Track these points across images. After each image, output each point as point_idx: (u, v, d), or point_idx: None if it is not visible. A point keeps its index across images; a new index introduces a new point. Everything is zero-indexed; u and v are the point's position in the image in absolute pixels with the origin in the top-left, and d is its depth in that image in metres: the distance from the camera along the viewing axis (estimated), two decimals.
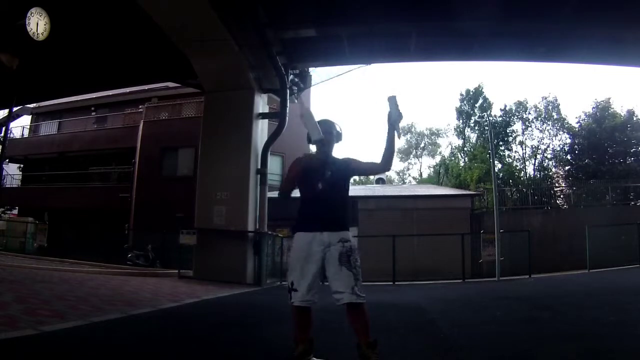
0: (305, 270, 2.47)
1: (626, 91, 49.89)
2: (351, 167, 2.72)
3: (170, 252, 12.69)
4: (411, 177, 42.02)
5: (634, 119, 24.23)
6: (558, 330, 3.91)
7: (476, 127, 31.44)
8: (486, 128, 24.93)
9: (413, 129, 41.80)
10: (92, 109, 22.22)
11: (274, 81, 11.12)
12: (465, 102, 32.06)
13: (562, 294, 7.33)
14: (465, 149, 32.95)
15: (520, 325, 4.32)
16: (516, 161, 30.02)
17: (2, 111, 16.54)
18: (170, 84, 17.83)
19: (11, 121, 18.03)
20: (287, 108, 11.11)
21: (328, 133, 2.69)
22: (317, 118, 2.69)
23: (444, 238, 12.86)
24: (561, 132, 28.40)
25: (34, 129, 24.44)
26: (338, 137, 2.79)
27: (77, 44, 10.63)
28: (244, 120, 10.74)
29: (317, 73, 12.99)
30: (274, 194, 16.26)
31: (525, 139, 29.82)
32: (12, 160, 23.18)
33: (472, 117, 31.58)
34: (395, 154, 2.68)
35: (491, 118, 27.43)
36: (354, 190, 22.60)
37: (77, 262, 12.92)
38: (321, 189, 2.58)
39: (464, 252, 12.39)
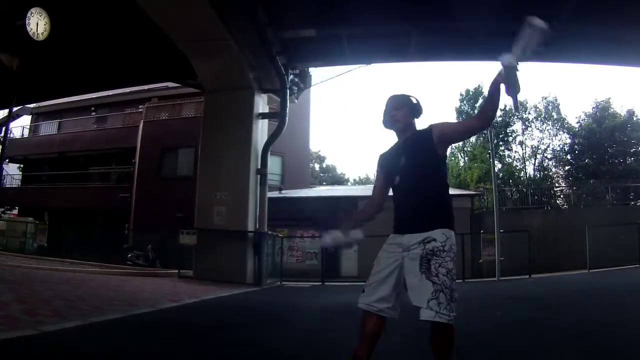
0: (378, 272, 2.06)
1: (626, 91, 49.95)
2: (436, 138, 2.07)
3: (170, 252, 12.68)
4: None
5: (634, 119, 24.28)
6: (558, 330, 3.91)
7: None
8: None
9: None
10: (92, 109, 22.21)
11: (274, 81, 11.11)
12: (465, 102, 32.07)
13: (562, 294, 7.33)
14: (465, 149, 32.95)
15: (520, 325, 4.32)
16: (516, 161, 30.04)
17: (2, 111, 16.57)
18: (170, 84, 17.81)
19: (11, 121, 18.01)
20: (287, 108, 11.11)
21: (397, 109, 2.20)
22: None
23: None
24: (561, 132, 28.43)
25: (34, 129, 24.42)
26: (415, 111, 2.23)
27: (77, 44, 10.62)
28: (244, 120, 10.73)
29: (317, 73, 13.01)
30: (274, 194, 16.34)
31: (525, 139, 29.86)
32: (12, 160, 23.17)
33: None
34: (497, 109, 2.06)
35: None
36: (354, 190, 22.57)
37: (77, 262, 12.92)
38: (397, 181, 2.13)
39: (464, 252, 12.38)
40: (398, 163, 2.12)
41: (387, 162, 2.21)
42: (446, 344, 1.92)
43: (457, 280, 2.00)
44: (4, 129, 13.54)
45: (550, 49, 10.36)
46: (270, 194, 11.43)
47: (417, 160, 2.07)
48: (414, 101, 2.22)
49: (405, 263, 1.99)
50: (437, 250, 1.93)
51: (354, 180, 45.86)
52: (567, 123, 27.91)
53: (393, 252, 2.05)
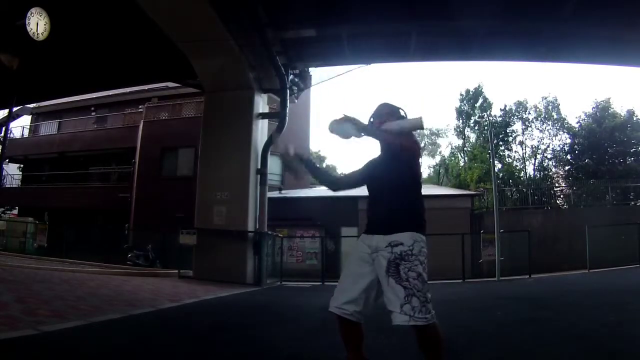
0: (349, 275, 2.07)
1: (626, 91, 49.90)
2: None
3: (170, 252, 12.68)
4: None
5: (634, 119, 24.26)
6: (558, 330, 3.91)
7: (476, 127, 31.46)
8: (486, 128, 24.95)
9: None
10: (92, 109, 22.22)
11: (274, 81, 11.12)
12: (465, 102, 32.08)
13: (562, 294, 7.33)
14: (465, 149, 32.96)
15: (520, 325, 4.31)
16: (516, 161, 30.03)
17: (2, 111, 16.58)
18: (170, 84, 17.82)
19: (11, 121, 18.01)
20: (287, 108, 11.11)
21: (390, 115, 2.27)
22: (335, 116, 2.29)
23: (444, 238, 12.82)
24: (561, 132, 28.42)
25: (34, 129, 24.42)
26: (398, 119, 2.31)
27: (77, 44, 10.63)
28: (244, 120, 10.74)
29: (317, 73, 13.00)
30: (274, 194, 16.34)
31: (525, 139, 29.85)
32: (12, 160, 23.17)
33: (472, 117, 31.58)
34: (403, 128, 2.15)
35: (491, 118, 27.45)
36: (354, 190, 22.50)
37: (77, 262, 12.92)
38: (370, 183, 2.21)
39: (464, 252, 12.39)
40: (379, 166, 2.19)
41: (372, 165, 2.27)
42: (432, 344, 1.91)
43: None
44: (4, 129, 13.54)
45: (550, 49, 10.40)
46: (270, 194, 11.43)
47: (398, 166, 2.10)
48: (402, 113, 2.31)
49: (375, 265, 2.00)
50: (405, 254, 1.93)
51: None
52: (567, 123, 27.91)
53: (364, 253, 2.05)
